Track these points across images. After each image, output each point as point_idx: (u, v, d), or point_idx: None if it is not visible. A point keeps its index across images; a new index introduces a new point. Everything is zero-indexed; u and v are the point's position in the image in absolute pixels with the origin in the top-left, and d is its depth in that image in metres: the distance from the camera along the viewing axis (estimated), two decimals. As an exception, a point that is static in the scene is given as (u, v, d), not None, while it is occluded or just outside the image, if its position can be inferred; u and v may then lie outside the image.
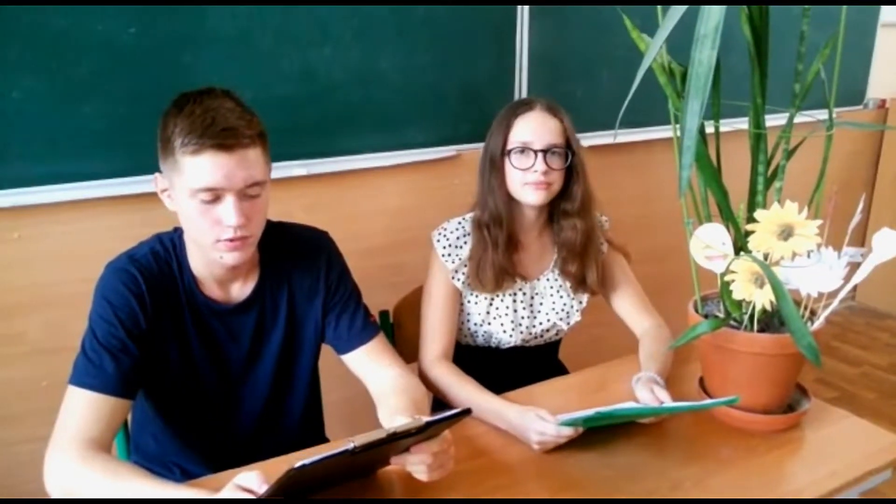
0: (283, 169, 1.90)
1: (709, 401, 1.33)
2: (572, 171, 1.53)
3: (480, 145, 2.18)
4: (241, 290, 1.29)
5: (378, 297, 1.54)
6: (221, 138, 1.10)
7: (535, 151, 1.47)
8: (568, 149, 1.51)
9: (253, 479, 0.96)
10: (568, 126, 1.51)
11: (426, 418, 1.01)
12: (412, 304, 1.69)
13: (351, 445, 0.91)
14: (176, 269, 1.24)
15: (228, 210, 1.13)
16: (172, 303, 1.24)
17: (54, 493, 1.06)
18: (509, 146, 1.49)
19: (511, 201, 1.53)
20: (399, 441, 1.00)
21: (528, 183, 1.48)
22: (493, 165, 1.52)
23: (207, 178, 1.11)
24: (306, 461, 0.88)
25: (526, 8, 2.20)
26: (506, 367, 1.61)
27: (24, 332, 1.81)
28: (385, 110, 2.08)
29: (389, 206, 2.20)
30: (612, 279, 1.64)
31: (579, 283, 1.61)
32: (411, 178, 2.20)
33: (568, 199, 1.55)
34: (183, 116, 1.11)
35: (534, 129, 1.48)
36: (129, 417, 1.33)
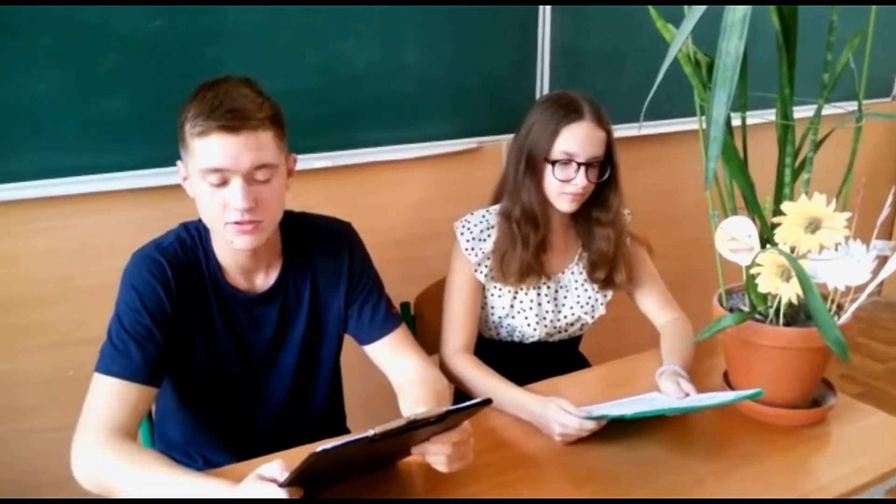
0: (304, 161, 1.90)
1: (732, 395, 1.31)
2: (609, 180, 1.51)
3: (502, 137, 2.20)
4: (264, 280, 1.30)
5: (399, 290, 1.54)
6: (227, 119, 1.10)
7: (578, 164, 1.44)
8: (608, 160, 1.49)
9: (275, 468, 0.97)
10: (612, 138, 1.49)
11: (446, 407, 1.01)
12: (433, 297, 1.69)
13: (371, 433, 0.92)
14: (202, 258, 1.25)
15: (235, 192, 1.13)
16: (198, 291, 1.25)
17: (81, 479, 1.08)
18: (553, 156, 1.45)
19: (546, 204, 1.51)
20: (419, 430, 1.00)
21: (564, 193, 1.46)
22: (532, 165, 1.48)
23: (213, 159, 1.11)
24: (327, 446, 0.89)
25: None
26: (528, 361, 1.60)
27: (50, 323, 1.84)
28: (406, 103, 2.08)
29: (411, 198, 2.20)
30: (635, 273, 1.62)
31: (607, 285, 1.60)
32: (432, 171, 2.19)
33: (602, 209, 1.54)
34: (195, 102, 1.13)
35: (580, 143, 1.44)
36: (153, 406, 1.34)
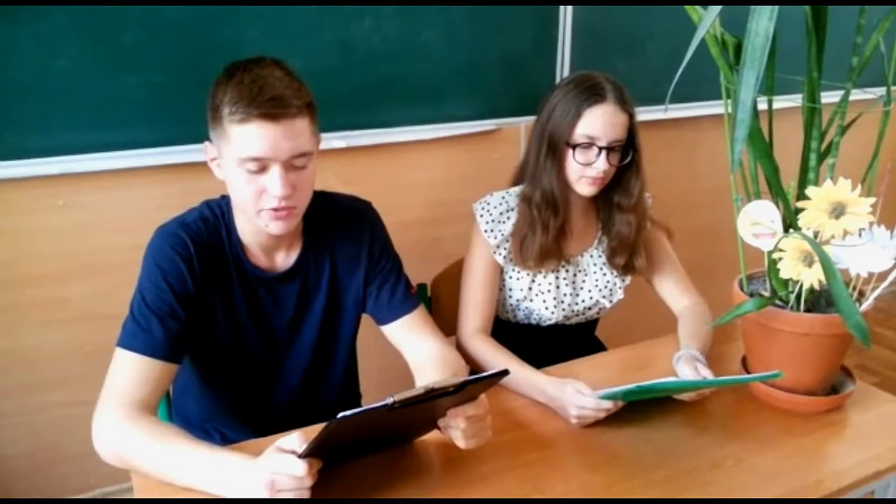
0: (322, 141, 1.91)
1: (751, 374, 1.31)
2: (631, 164, 1.49)
3: (521, 119, 2.19)
4: (285, 259, 1.30)
5: (416, 271, 1.54)
6: (268, 107, 1.09)
7: (600, 148, 1.42)
8: (630, 144, 1.47)
9: (294, 440, 0.98)
10: (635, 121, 1.46)
11: (464, 377, 1.01)
12: (450, 278, 1.69)
13: (390, 400, 0.92)
14: (224, 236, 1.26)
15: (274, 180, 1.13)
16: (220, 269, 1.25)
17: (103, 453, 1.09)
18: (575, 139, 1.43)
19: (567, 188, 1.49)
20: (437, 400, 1.00)
21: (585, 176, 1.45)
22: (553, 149, 1.46)
23: (254, 148, 1.11)
24: (347, 413, 0.89)
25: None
26: (544, 344, 1.60)
27: (68, 298, 1.86)
28: (425, 83, 2.07)
29: (428, 179, 2.20)
30: (653, 257, 1.61)
31: (627, 270, 1.59)
32: (450, 152, 2.19)
33: (624, 194, 1.52)
34: (232, 85, 1.11)
35: (603, 125, 1.41)
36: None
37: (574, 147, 1.43)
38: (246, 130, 1.10)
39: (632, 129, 1.46)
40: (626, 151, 1.47)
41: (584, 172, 1.44)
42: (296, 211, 1.19)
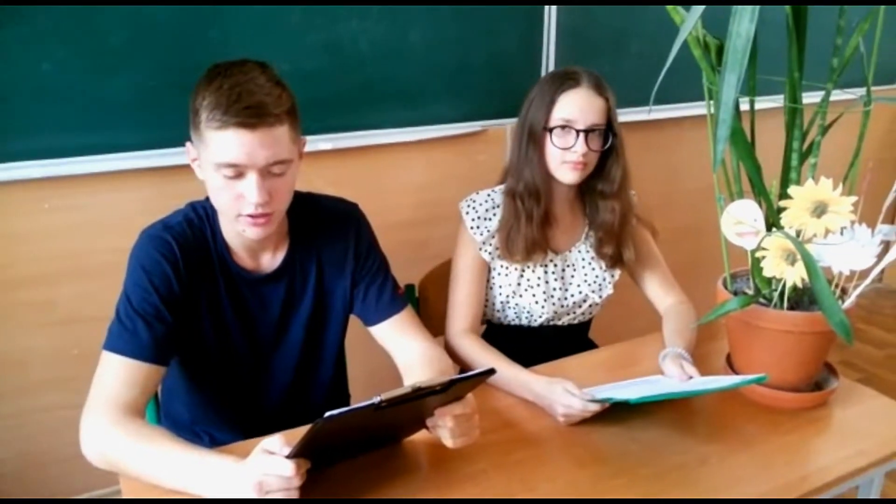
0: (308, 143, 1.87)
1: (737, 379, 1.32)
2: (611, 151, 1.50)
3: (507, 121, 2.21)
4: (271, 261, 1.30)
5: (403, 272, 1.54)
6: (245, 116, 1.08)
7: (577, 131, 1.44)
8: (609, 129, 1.48)
9: (275, 441, 0.98)
10: (612, 105, 1.48)
11: (451, 376, 1.02)
12: (438, 279, 1.70)
13: (377, 399, 0.92)
14: (209, 238, 1.25)
15: (251, 187, 1.12)
16: (206, 271, 1.25)
17: (91, 457, 1.08)
18: (551, 123, 1.45)
19: (549, 177, 1.50)
20: (424, 399, 1.01)
21: (566, 162, 1.46)
22: (533, 138, 1.48)
23: (230, 155, 1.10)
24: (334, 412, 0.89)
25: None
26: (537, 347, 1.59)
27: (54, 302, 1.85)
28: (411, 85, 2.07)
29: (415, 181, 2.20)
30: (639, 255, 1.62)
31: (615, 262, 1.60)
32: (437, 154, 2.19)
33: (606, 181, 1.53)
34: (211, 90, 1.10)
35: (579, 108, 1.44)
36: (160, 385, 1.34)
37: (551, 131, 1.45)
38: (223, 137, 1.09)
39: (610, 115, 1.48)
40: (607, 138, 1.49)
41: (565, 158, 1.45)
42: (273, 217, 1.18)
